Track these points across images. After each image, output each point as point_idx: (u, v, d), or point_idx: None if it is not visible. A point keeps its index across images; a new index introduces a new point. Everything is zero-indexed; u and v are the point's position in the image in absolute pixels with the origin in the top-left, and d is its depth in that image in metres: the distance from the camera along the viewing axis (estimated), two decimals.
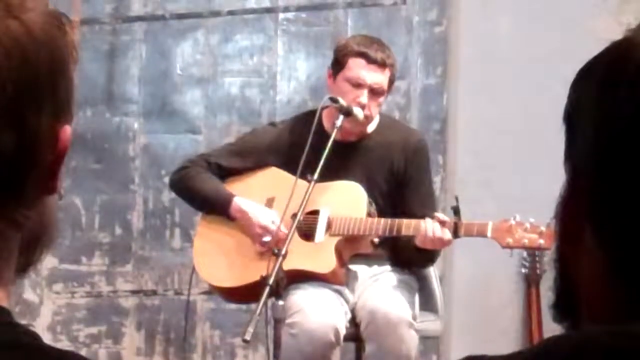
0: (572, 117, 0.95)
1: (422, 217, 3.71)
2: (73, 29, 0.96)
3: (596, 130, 0.91)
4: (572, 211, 0.94)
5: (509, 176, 4.89)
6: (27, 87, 0.91)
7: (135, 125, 5.07)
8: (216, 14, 5.09)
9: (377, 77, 3.80)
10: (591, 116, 0.92)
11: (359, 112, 3.76)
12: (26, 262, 0.98)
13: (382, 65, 3.80)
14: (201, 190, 3.94)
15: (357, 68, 3.80)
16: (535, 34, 4.93)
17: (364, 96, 3.78)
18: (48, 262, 4.99)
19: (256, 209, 3.87)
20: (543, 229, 3.55)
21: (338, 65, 3.85)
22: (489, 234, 3.62)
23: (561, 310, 0.98)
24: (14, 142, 0.90)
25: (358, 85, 3.79)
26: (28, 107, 0.91)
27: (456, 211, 3.61)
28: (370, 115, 3.84)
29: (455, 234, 3.63)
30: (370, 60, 3.79)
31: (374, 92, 3.81)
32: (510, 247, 3.64)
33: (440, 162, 4.98)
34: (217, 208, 3.92)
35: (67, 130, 0.95)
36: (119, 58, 5.06)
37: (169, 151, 5.06)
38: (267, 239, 3.79)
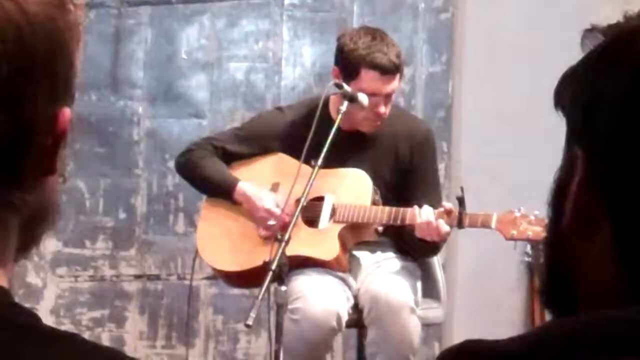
0: (592, 101, 0.94)
1: None
2: (77, 8, 0.95)
3: (624, 114, 0.91)
4: (585, 195, 0.93)
5: (513, 164, 4.89)
6: (22, 68, 0.90)
7: (140, 110, 5.07)
8: None
9: (392, 85, 3.77)
10: (619, 101, 0.91)
11: (363, 99, 3.75)
12: (27, 243, 0.97)
13: (396, 71, 3.77)
14: (206, 173, 3.94)
15: (372, 81, 3.73)
16: (541, 22, 4.92)
17: (381, 106, 3.76)
18: (52, 246, 4.99)
19: (261, 193, 3.87)
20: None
21: (349, 72, 3.76)
22: (493, 225, 3.61)
23: (553, 296, 0.98)
24: (9, 124, 0.90)
25: (373, 95, 3.76)
26: (24, 88, 0.90)
27: (461, 202, 3.61)
28: (385, 116, 3.82)
29: (460, 224, 3.63)
30: (385, 71, 3.73)
31: (389, 95, 3.79)
32: (514, 239, 3.63)
33: (444, 150, 4.98)
34: (222, 192, 3.92)
35: (67, 113, 0.95)
36: (124, 42, 5.06)
37: (173, 136, 5.05)
38: (272, 222, 3.79)
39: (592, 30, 0.96)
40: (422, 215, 3.63)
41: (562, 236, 0.96)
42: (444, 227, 3.61)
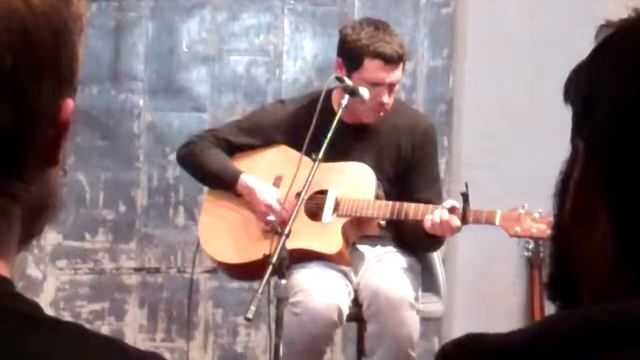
0: (592, 93, 0.95)
1: (427, 202, 3.72)
2: (79, 0, 0.95)
3: (622, 106, 0.91)
4: (585, 186, 0.94)
5: (514, 158, 4.89)
6: (26, 59, 0.90)
7: (141, 103, 5.06)
8: None
9: (395, 74, 3.77)
10: (616, 92, 0.92)
11: (364, 92, 3.75)
12: (28, 234, 0.97)
13: (399, 60, 3.77)
14: (209, 165, 3.93)
15: (375, 71, 3.73)
16: (542, 16, 4.92)
17: (385, 95, 3.76)
18: (52, 239, 4.99)
19: (263, 187, 3.87)
20: (552, 219, 3.52)
21: (352, 63, 3.76)
22: (497, 222, 3.61)
23: (557, 288, 0.98)
24: (13, 114, 0.90)
25: (376, 84, 3.76)
26: (27, 79, 0.90)
27: (465, 198, 3.61)
28: (388, 107, 3.82)
29: (464, 220, 3.63)
30: (388, 60, 3.73)
31: (392, 85, 3.79)
32: (518, 236, 3.64)
33: (445, 144, 4.98)
34: (224, 184, 3.92)
35: (69, 104, 0.95)
36: (125, 35, 5.05)
37: (174, 129, 5.05)
38: (271, 217, 3.80)
39: (606, 25, 0.96)
40: (436, 215, 3.62)
41: (564, 227, 0.97)
42: (456, 222, 3.61)
